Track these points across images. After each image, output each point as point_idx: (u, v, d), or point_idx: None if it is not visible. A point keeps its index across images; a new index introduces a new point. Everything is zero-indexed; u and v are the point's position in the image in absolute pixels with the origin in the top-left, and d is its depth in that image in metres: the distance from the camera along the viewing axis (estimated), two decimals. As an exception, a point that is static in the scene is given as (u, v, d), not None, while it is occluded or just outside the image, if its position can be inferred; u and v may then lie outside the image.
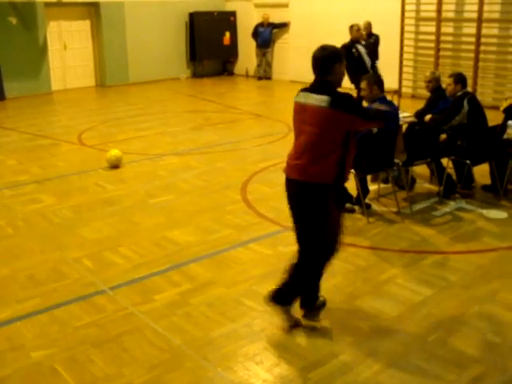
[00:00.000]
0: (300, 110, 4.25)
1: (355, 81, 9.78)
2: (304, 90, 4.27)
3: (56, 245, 6.16)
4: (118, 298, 5.00)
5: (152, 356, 4.19)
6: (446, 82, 7.31)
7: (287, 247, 5.87)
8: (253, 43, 18.14)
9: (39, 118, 13.23)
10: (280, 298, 4.47)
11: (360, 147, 6.46)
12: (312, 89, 4.22)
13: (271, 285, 5.05)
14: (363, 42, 12.84)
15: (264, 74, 18.31)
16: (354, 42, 10.24)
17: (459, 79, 7.21)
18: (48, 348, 4.32)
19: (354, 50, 10.03)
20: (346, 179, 4.43)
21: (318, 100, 4.10)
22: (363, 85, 6.53)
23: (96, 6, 17.01)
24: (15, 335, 4.49)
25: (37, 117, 13.32)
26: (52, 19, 16.48)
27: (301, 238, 4.41)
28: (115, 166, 8.81)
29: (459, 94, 7.14)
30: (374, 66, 12.77)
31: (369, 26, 12.95)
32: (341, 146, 4.17)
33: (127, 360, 4.15)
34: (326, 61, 4.18)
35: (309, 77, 9.93)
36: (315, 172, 4.18)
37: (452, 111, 7.07)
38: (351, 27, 11.07)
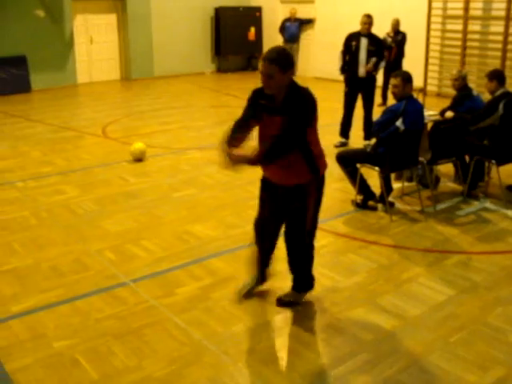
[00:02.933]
0: None
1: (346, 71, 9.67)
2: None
3: (79, 236, 6.20)
4: (140, 291, 5.01)
5: (172, 349, 4.19)
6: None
7: (309, 244, 5.86)
8: (278, 39, 18.08)
9: (64, 110, 13.33)
10: None
11: (385, 145, 6.47)
12: None
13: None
14: (390, 39, 12.76)
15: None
16: (359, 34, 9.76)
17: (494, 76, 7.08)
18: (69, 339, 4.34)
19: (353, 43, 9.57)
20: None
21: None
22: (397, 81, 6.35)
23: (122, -1, 17.12)
24: (37, 325, 4.52)
25: (62, 109, 13.42)
26: (79, 13, 16.60)
27: None
28: (139, 159, 8.85)
29: (497, 94, 7.01)
30: (400, 64, 12.71)
31: (397, 23, 12.88)
32: None
33: (147, 352, 4.16)
34: None
35: (333, 73, 9.80)
36: None
37: (485, 112, 6.96)
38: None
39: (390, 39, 12.83)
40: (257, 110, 4.28)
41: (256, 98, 4.30)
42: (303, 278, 4.78)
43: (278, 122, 4.10)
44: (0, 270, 5.43)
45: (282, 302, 4.77)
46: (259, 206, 4.76)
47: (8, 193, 7.57)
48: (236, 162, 4.16)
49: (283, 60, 4.05)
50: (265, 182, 4.60)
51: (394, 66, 12.23)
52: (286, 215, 4.52)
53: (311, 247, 4.70)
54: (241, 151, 4.16)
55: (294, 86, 4.15)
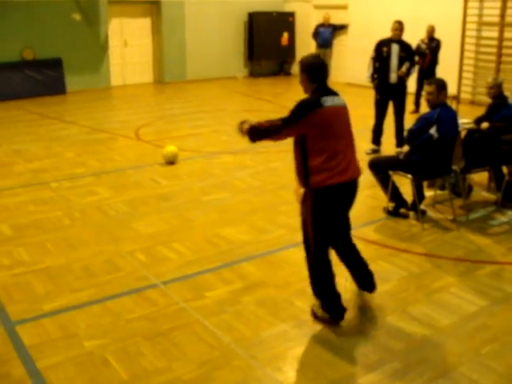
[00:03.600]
0: (335, 114, 4.36)
1: (376, 79, 9.61)
2: (325, 94, 4.35)
3: (110, 237, 6.26)
4: (170, 293, 5.04)
5: (201, 352, 4.21)
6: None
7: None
8: (311, 44, 18.06)
9: (98, 112, 13.49)
10: None
11: (418, 153, 6.42)
12: (333, 92, 4.43)
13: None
14: (424, 46, 12.65)
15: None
16: (390, 40, 9.70)
17: None
18: (100, 338, 4.39)
19: (384, 49, 9.52)
20: None
21: (343, 101, 4.46)
22: (431, 88, 6.32)
23: (157, 3, 17.25)
24: (69, 324, 4.58)
25: (96, 111, 13.59)
26: (114, 16, 16.78)
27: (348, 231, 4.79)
28: (171, 162, 8.91)
29: None
30: (434, 71, 12.60)
31: (432, 30, 12.76)
32: None
33: (177, 355, 4.18)
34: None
35: (365, 79, 9.73)
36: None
37: None
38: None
39: (424, 46, 12.74)
40: None
41: None
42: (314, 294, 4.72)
43: None
44: (33, 269, 5.52)
45: (312, 312, 4.74)
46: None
47: (42, 193, 7.68)
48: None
49: None
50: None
51: (428, 73, 12.15)
52: None
53: (313, 265, 4.60)
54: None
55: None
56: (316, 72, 4.40)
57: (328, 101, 4.30)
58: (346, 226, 4.77)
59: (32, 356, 4.17)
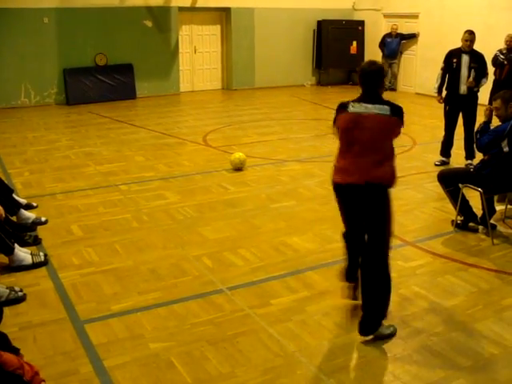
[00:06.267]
0: (355, 120, 4.41)
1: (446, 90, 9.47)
2: (359, 101, 4.46)
3: (178, 241, 6.32)
4: (236, 299, 5.06)
5: (265, 359, 4.20)
6: None
7: (407, 262, 5.77)
8: (379, 53, 17.91)
9: (167, 117, 13.70)
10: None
11: (490, 166, 6.27)
12: (368, 100, 4.44)
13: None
14: (502, 57, 12.30)
15: (389, 85, 18.03)
16: (460, 50, 9.59)
17: None
18: (165, 341, 4.43)
19: (454, 60, 9.32)
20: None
21: (380, 109, 4.38)
22: (497, 103, 6.22)
23: (227, 11, 17.42)
24: (135, 325, 4.65)
25: (165, 116, 13.81)
26: (184, 23, 17.05)
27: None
28: (238, 168, 8.96)
29: None
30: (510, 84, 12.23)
31: (511, 39, 12.39)
32: (392, 150, 4.49)
33: (241, 361, 4.18)
34: (380, 75, 4.47)
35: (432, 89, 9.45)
36: (379, 174, 4.40)
37: None
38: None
39: (502, 56, 12.36)
40: None
41: None
42: None
43: None
44: (102, 270, 5.63)
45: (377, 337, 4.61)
46: None
47: (112, 195, 7.84)
48: None
49: None
50: None
51: (506, 85, 11.78)
52: None
53: None
54: None
55: None
56: (360, 79, 4.52)
57: (355, 107, 4.44)
58: (359, 228, 4.61)
59: (99, 355, 4.24)
